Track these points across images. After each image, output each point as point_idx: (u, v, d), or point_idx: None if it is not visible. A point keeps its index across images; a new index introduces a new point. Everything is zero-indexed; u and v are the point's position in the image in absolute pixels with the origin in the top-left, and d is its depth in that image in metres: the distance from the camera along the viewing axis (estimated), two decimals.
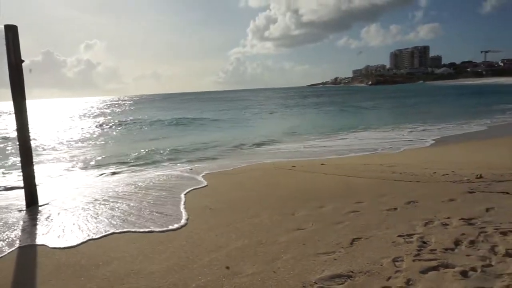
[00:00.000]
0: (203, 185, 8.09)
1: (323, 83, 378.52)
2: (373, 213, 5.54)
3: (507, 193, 5.92)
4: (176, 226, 5.51)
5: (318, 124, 26.67)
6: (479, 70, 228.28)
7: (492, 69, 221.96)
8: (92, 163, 13.55)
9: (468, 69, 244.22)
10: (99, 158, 14.61)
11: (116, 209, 6.46)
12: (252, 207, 6.26)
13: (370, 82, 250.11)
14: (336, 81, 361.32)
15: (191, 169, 11.03)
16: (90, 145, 19.68)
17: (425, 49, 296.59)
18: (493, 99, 46.19)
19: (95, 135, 24.78)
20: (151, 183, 8.50)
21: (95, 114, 51.48)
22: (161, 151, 15.92)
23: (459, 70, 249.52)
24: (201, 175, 9.49)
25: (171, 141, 20.04)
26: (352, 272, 3.82)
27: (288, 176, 8.70)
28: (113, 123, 32.53)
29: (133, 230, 5.43)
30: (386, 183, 7.31)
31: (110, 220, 5.92)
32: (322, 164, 10.86)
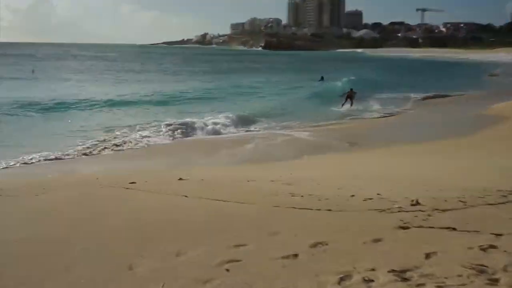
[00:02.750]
0: None
1: (183, 41, 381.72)
2: (261, 264, 5.65)
3: (454, 228, 6.52)
4: None
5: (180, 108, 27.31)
6: (414, 37, 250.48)
7: (431, 36, 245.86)
8: None
9: (399, 34, 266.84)
10: None
11: None
12: (60, 256, 5.96)
13: (260, 45, 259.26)
14: (204, 40, 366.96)
15: None
16: None
17: (339, 0, 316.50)
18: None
19: None
20: None
21: None
22: None
23: (386, 34, 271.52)
24: None
25: None
26: None
27: (124, 200, 8.52)
28: None
29: None
30: (281, 212, 7.54)
31: None
32: (180, 179, 10.84)
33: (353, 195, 8.62)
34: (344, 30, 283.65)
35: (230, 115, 27.81)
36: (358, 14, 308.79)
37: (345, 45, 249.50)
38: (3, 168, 15.30)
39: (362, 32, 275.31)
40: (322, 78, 58.07)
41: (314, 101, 37.32)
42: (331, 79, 55.56)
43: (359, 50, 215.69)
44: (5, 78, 53.74)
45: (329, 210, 7.68)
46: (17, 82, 49.85)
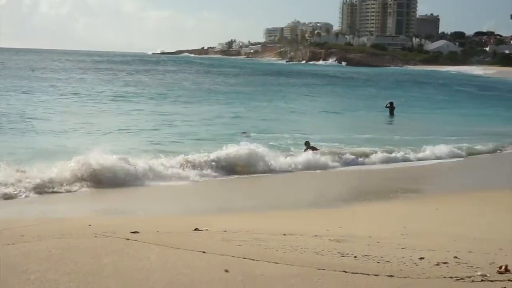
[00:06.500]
0: None
1: (203, 50, 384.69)
2: None
3: None
4: None
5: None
6: (507, 52, 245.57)
7: None
8: None
9: (487, 48, 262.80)
10: None
11: None
12: None
13: (303, 58, 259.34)
14: (230, 49, 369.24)
15: None
16: None
17: (409, 2, 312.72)
18: None
19: None
20: None
21: None
22: None
23: (470, 47, 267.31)
24: None
25: None
26: None
27: (123, 256, 8.55)
28: None
29: None
30: (327, 277, 7.52)
31: None
32: (196, 229, 10.91)
33: (422, 258, 8.57)
34: (414, 40, 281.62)
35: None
36: (433, 21, 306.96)
37: (416, 59, 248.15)
38: None
39: (438, 43, 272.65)
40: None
41: None
42: None
43: (449, 68, 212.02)
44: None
45: (391, 276, 7.63)
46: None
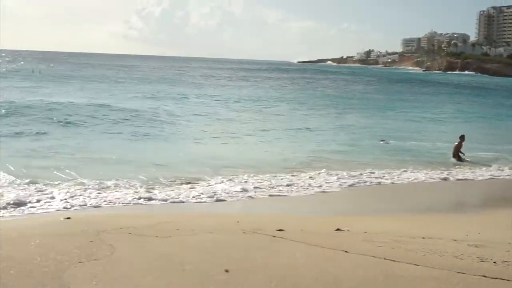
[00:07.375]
0: (95, 258, 7.95)
1: (342, 59, 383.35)
2: None
3: None
4: None
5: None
6: None
7: None
8: None
9: None
10: None
11: None
12: None
13: (439, 67, 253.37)
14: (368, 58, 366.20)
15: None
16: None
17: None
18: None
19: None
20: None
21: None
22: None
23: None
24: (97, 232, 9.41)
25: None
26: None
27: (271, 252, 8.67)
28: None
29: None
30: (467, 281, 7.40)
31: None
32: (338, 229, 10.92)
33: None
34: None
35: None
36: None
37: None
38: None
39: None
40: None
41: None
42: None
43: None
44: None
45: None
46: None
